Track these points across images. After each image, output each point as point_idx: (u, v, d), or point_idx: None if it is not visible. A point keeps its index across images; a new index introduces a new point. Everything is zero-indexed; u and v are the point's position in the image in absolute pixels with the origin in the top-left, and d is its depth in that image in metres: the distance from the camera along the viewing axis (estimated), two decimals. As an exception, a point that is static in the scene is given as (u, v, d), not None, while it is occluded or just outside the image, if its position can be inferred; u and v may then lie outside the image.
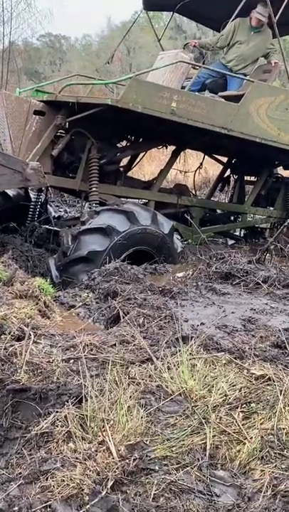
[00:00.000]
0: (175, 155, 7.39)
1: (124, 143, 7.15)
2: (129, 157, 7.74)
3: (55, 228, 6.33)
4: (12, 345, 2.77)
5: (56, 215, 7.36)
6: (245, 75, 7.20)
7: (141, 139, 7.12)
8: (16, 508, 1.97)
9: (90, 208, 5.97)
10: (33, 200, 6.84)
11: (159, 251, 5.69)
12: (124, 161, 7.72)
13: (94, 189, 5.95)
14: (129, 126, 6.63)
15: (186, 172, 9.81)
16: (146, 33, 28.90)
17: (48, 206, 7.10)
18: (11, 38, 14.77)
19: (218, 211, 8.50)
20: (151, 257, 5.67)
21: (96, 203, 5.87)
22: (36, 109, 5.80)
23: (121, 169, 7.14)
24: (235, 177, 9.03)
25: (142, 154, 7.84)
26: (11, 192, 6.69)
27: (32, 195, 6.94)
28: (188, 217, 7.09)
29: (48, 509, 1.95)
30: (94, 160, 6.03)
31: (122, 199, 6.15)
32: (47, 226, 6.46)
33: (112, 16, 62.20)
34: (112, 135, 6.53)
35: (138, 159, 7.84)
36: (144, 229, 5.52)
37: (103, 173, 6.22)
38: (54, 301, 4.00)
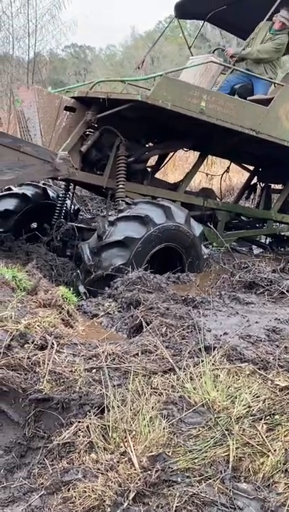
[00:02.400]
0: (202, 158, 7.41)
1: (151, 144, 7.18)
2: (156, 159, 7.78)
3: (81, 225, 6.42)
4: (35, 355, 2.78)
5: (76, 207, 7.38)
6: (271, 78, 7.22)
7: (168, 140, 7.14)
8: (38, 519, 1.98)
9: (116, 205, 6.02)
10: (60, 198, 6.92)
11: (188, 252, 5.74)
12: (151, 162, 7.74)
13: (121, 186, 6.01)
14: (158, 126, 6.65)
15: (212, 175, 9.79)
16: (170, 43, 29.09)
17: (67, 200, 7.16)
18: (36, 49, 14.93)
19: (244, 219, 8.46)
20: (179, 257, 5.72)
21: (122, 200, 5.91)
22: (67, 105, 5.87)
23: (148, 169, 7.17)
24: (262, 185, 9.00)
25: (168, 157, 7.85)
26: (29, 192, 6.79)
27: (51, 192, 7.01)
28: (212, 225, 7.06)
29: (70, 520, 1.95)
30: (122, 157, 6.09)
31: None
32: (73, 223, 6.55)
33: (136, 26, 62.46)
34: (140, 135, 6.56)
35: (165, 161, 7.87)
36: (177, 226, 5.58)
37: (130, 172, 6.27)
38: (77, 310, 4.01)
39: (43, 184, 7.39)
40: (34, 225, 7.07)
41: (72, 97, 5.95)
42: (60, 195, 6.99)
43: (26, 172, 4.99)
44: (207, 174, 9.94)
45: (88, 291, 5.07)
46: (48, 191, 7.02)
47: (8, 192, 6.80)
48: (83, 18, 33.39)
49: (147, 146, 6.94)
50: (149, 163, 7.34)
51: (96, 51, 43.14)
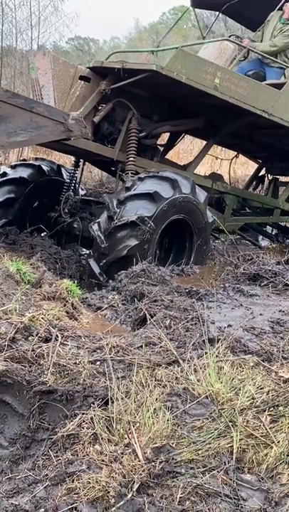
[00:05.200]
0: (210, 143, 7.40)
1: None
2: (166, 141, 7.80)
3: (90, 198, 6.52)
4: (40, 347, 2.79)
5: (70, 175, 7.32)
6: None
7: (180, 119, 7.12)
8: (42, 510, 1.99)
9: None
10: (69, 174, 6.90)
11: (200, 233, 5.84)
12: (161, 142, 7.74)
13: (131, 159, 6.03)
14: (170, 104, 6.64)
15: (222, 159, 9.79)
16: (174, 34, 28.87)
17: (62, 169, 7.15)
18: (40, 42, 14.91)
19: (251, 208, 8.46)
20: (190, 237, 5.83)
21: (132, 172, 5.92)
22: (82, 74, 5.87)
23: (159, 147, 7.18)
24: (270, 177, 9.02)
25: (178, 139, 7.85)
26: (25, 174, 6.74)
27: (45, 167, 6.97)
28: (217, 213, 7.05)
29: (74, 511, 1.96)
30: (133, 131, 6.10)
31: None
32: (82, 197, 6.59)
33: (140, 18, 62.18)
34: (152, 112, 6.55)
35: (176, 142, 7.87)
36: (198, 203, 5.70)
37: (141, 148, 6.28)
38: (81, 302, 4.01)
39: (35, 159, 7.38)
40: (36, 203, 7.04)
41: (87, 67, 5.96)
42: (56, 169, 7.00)
43: (40, 133, 4.92)
44: (217, 158, 9.93)
45: (107, 237, 5.15)
46: (43, 167, 6.94)
47: (5, 178, 6.74)
48: (86, 9, 33.22)
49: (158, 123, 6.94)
50: (159, 143, 7.35)
51: (100, 43, 42.93)
